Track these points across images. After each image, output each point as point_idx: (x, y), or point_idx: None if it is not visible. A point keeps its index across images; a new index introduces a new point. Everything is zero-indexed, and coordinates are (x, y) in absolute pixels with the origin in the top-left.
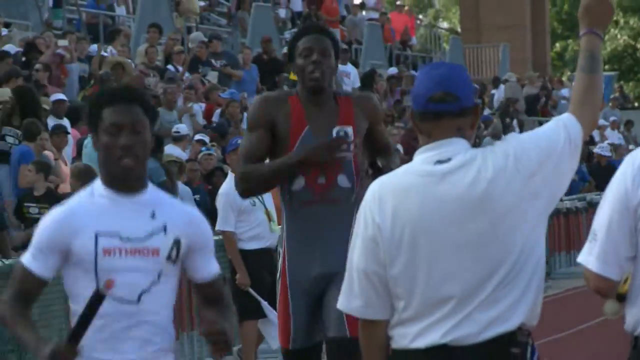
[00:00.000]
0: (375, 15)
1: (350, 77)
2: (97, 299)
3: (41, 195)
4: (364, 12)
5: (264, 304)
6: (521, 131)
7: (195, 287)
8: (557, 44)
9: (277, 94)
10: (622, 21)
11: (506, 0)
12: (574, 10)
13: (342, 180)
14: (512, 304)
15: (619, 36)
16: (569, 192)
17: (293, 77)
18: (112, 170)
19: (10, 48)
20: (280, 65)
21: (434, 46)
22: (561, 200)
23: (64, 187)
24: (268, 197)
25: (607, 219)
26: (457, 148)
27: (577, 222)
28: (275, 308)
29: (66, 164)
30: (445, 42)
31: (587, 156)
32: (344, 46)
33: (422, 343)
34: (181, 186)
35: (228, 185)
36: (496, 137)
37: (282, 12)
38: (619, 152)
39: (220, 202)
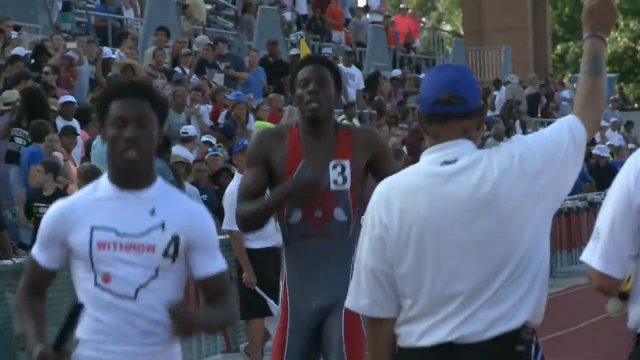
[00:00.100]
0: (379, 18)
1: (354, 79)
2: (76, 310)
3: (50, 195)
4: (368, 16)
5: (271, 302)
6: (524, 132)
7: (198, 285)
8: (559, 47)
9: (277, 128)
10: (622, 24)
11: (508, 4)
12: (574, 13)
13: (339, 214)
14: (517, 302)
15: (619, 39)
16: (571, 192)
17: None
18: (117, 163)
19: (20, 51)
20: (286, 68)
21: (438, 49)
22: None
23: (73, 188)
24: None
25: (610, 218)
26: (463, 149)
27: (578, 222)
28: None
29: (75, 165)
30: (449, 45)
31: (586, 157)
32: (349, 49)
33: (428, 341)
34: (189, 187)
35: (235, 185)
36: (499, 138)
37: (288, 16)
38: (621, 153)
39: (227, 202)
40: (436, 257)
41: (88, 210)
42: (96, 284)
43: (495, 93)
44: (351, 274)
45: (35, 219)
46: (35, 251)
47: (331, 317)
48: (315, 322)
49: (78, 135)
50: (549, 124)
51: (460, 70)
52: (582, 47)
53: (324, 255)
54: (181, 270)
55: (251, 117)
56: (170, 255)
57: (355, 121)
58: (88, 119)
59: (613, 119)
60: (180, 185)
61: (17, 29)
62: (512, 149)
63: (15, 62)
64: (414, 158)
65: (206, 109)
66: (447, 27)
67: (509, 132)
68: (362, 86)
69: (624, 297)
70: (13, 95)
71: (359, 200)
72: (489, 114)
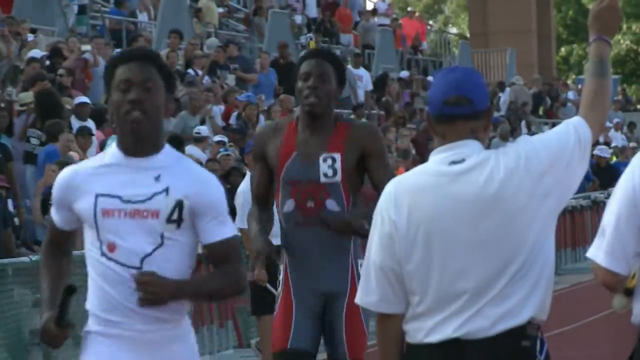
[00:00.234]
0: (387, 21)
1: (362, 80)
2: (68, 292)
3: None
4: (375, 18)
5: None
6: (529, 132)
7: (204, 250)
8: (562, 49)
9: (276, 123)
10: (624, 27)
11: (513, 7)
12: (578, 16)
13: (331, 205)
14: (522, 299)
15: (622, 41)
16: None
17: None
18: (121, 126)
19: (36, 53)
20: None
21: (444, 51)
22: None
23: None
24: None
25: (615, 215)
26: (470, 149)
27: (582, 220)
28: None
29: None
30: (455, 47)
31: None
32: (357, 51)
33: (435, 338)
34: None
35: (246, 184)
36: (504, 138)
37: (298, 18)
38: (625, 153)
39: (238, 201)
40: (443, 254)
41: (94, 177)
42: (102, 254)
43: (500, 94)
44: (350, 265)
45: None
46: (52, 211)
47: (334, 307)
48: (318, 301)
49: (93, 135)
50: (553, 124)
51: (467, 72)
52: (586, 49)
53: (319, 245)
54: (189, 239)
55: (261, 117)
56: (174, 220)
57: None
58: (103, 119)
59: (616, 120)
60: None
61: (33, 31)
62: (518, 149)
63: (31, 63)
64: (422, 158)
65: (218, 110)
66: (454, 30)
67: (514, 132)
68: (370, 87)
69: (629, 293)
70: (28, 96)
71: (353, 192)
72: (495, 114)
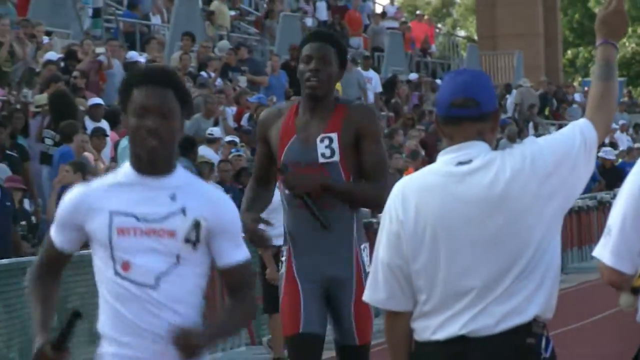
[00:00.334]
0: (396, 24)
1: (372, 82)
2: (74, 317)
3: None
4: (385, 22)
5: None
6: (536, 133)
7: (218, 274)
8: (569, 51)
9: (278, 107)
10: (630, 30)
11: (520, 10)
12: (584, 20)
13: None
14: (527, 297)
15: (627, 44)
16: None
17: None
18: (137, 151)
19: (52, 55)
20: None
21: (452, 53)
22: None
23: None
24: None
25: (621, 215)
26: (477, 150)
27: (588, 220)
28: None
29: (104, 165)
30: (463, 50)
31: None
32: (366, 53)
33: (441, 335)
34: (213, 185)
35: None
36: (512, 139)
37: (309, 21)
38: (631, 154)
39: None
40: (449, 253)
41: (107, 195)
42: (115, 273)
43: (507, 96)
44: (353, 248)
45: None
46: (52, 230)
47: (341, 293)
48: (323, 283)
49: (107, 136)
50: (560, 125)
51: (475, 74)
52: (592, 52)
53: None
54: (203, 259)
55: None
56: (191, 241)
57: None
58: (117, 121)
59: (621, 121)
60: None
61: (48, 34)
62: (524, 150)
63: (47, 65)
64: (430, 159)
65: (230, 111)
66: (462, 33)
67: (522, 133)
68: (380, 89)
69: (636, 291)
70: (43, 98)
71: (353, 171)
72: (502, 116)
